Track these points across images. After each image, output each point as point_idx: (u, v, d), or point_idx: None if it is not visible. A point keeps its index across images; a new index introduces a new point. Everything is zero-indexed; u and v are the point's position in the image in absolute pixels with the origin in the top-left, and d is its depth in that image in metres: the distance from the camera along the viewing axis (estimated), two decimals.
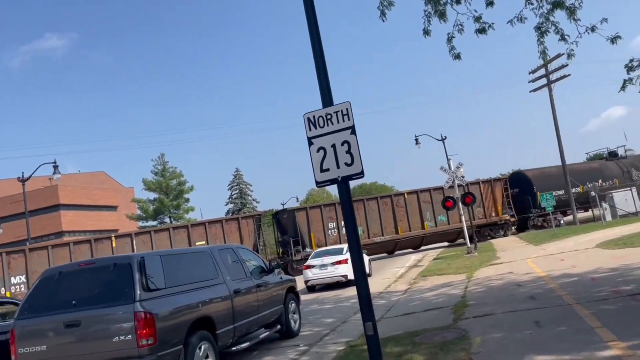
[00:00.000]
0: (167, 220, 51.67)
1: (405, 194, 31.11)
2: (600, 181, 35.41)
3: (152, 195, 52.72)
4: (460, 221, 26.23)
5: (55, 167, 27.10)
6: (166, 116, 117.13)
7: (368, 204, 29.99)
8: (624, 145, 45.68)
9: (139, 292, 6.06)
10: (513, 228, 34.68)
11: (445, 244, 34.46)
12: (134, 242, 26.43)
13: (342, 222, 27.78)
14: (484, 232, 32.17)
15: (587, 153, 43.08)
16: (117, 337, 5.90)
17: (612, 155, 39.51)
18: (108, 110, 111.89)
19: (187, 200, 53.57)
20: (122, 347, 5.87)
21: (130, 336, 5.86)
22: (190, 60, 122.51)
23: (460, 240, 32.22)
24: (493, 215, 32.04)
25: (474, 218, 30.69)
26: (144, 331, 5.84)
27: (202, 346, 6.71)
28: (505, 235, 32.55)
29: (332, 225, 28.94)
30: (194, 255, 7.93)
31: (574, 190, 34.61)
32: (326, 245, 26.45)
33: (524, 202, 34.36)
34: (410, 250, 32.88)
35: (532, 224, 34.50)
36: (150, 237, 26.73)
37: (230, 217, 32.47)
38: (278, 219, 30.57)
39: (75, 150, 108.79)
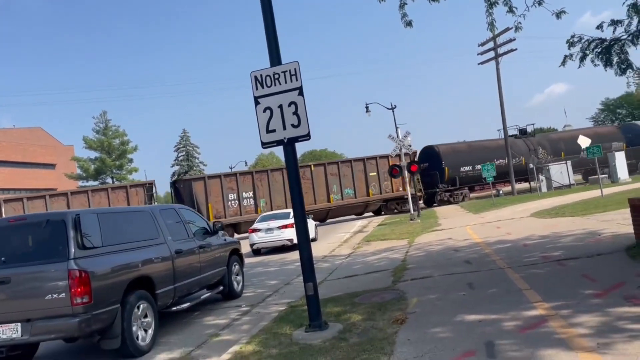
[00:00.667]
0: (109, 180, 50.08)
1: (312, 166, 30.27)
2: (507, 158, 35.99)
3: (94, 154, 50.83)
4: (404, 189, 27.00)
5: None
6: (110, 71, 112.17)
7: (272, 174, 28.87)
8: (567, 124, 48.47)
9: (73, 250, 5.85)
10: (420, 202, 34.61)
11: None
12: (70, 201, 25.54)
13: (244, 193, 27.57)
14: (391, 205, 32.03)
15: (498, 130, 44.07)
16: (50, 295, 5.71)
17: (522, 132, 39.66)
18: (48, 61, 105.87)
19: (131, 160, 52.04)
20: (56, 306, 5.70)
21: (64, 294, 5.69)
22: (139, 13, 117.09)
23: (367, 214, 33.11)
24: (401, 189, 30.95)
25: (381, 192, 31.16)
26: (79, 289, 5.68)
27: (141, 305, 6.61)
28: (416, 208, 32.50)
29: (232, 196, 27.63)
30: (134, 214, 7.72)
31: (478, 166, 34.84)
32: (225, 217, 26.45)
33: (432, 177, 34.45)
34: (353, 216, 33.37)
35: (439, 199, 34.73)
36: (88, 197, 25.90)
37: (118, 185, 30.53)
38: (176, 188, 28.88)
39: (11, 103, 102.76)
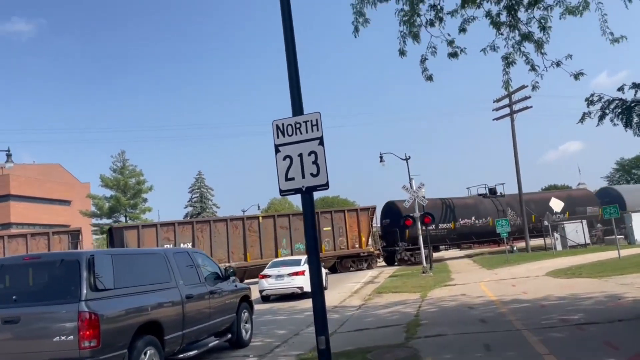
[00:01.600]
0: (122, 219, 50.30)
1: (260, 218, 28.99)
2: (473, 218, 34.92)
3: (109, 193, 51.29)
4: (362, 246, 28.43)
5: (9, 155, 25.86)
6: (130, 111, 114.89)
7: (215, 225, 27.15)
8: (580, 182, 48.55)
9: (85, 291, 5.80)
10: (379, 261, 33.13)
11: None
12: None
13: (182, 244, 25.53)
14: (346, 263, 30.23)
15: (467, 188, 42.55)
16: (58, 337, 5.62)
17: (491, 192, 37.58)
18: (70, 102, 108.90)
19: (145, 200, 52.36)
20: (63, 348, 5.60)
21: (72, 337, 5.59)
22: (162, 59, 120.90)
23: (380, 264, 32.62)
24: (357, 246, 29.87)
25: (335, 248, 29.66)
26: (87, 332, 5.58)
27: (148, 351, 6.47)
28: (370, 267, 30.56)
29: (168, 247, 23.41)
30: (147, 257, 7.68)
31: (445, 225, 34.08)
32: None
33: (393, 235, 32.45)
34: (364, 266, 33.01)
35: (399, 258, 32.14)
36: None
37: (39, 232, 27.47)
38: (111, 235, 26.66)
39: (32, 140, 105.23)
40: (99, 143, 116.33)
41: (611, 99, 9.10)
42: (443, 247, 36.52)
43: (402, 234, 31.93)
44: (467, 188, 41.14)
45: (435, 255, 35.24)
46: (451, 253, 42.96)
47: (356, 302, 15.54)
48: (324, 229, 29.34)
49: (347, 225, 30.19)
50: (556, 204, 33.40)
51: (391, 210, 34.20)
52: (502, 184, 39.85)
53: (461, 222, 34.57)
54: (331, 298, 16.45)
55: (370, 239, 31.09)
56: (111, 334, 5.87)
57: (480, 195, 37.65)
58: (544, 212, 34.67)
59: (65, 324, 5.66)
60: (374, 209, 31.94)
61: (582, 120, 9.35)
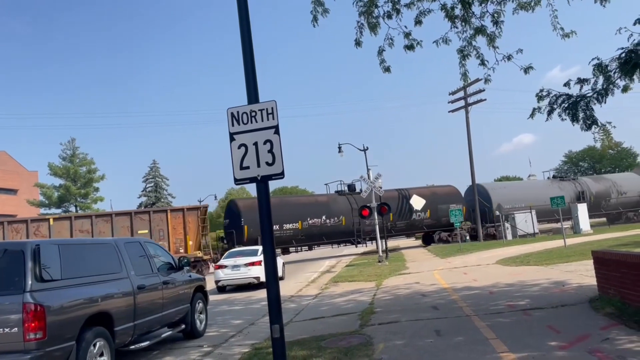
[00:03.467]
0: (72, 209, 48.69)
1: (51, 220, 25.33)
2: (324, 217, 32.51)
3: (58, 182, 49.51)
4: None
5: None
6: (81, 99, 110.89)
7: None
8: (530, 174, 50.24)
9: (30, 282, 5.60)
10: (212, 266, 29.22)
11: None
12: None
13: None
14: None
15: (326, 184, 42.02)
16: (1, 329, 5.41)
17: (350, 189, 35.16)
18: (17, 86, 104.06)
19: (97, 189, 50.86)
20: (7, 341, 5.40)
21: (16, 329, 5.40)
22: (114, 44, 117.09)
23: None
24: (181, 251, 26.05)
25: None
26: (33, 324, 5.40)
27: (97, 343, 6.32)
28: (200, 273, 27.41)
29: None
30: (97, 247, 7.48)
31: (291, 225, 31.41)
32: None
33: (231, 236, 30.18)
34: (327, 255, 33.24)
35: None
36: None
37: None
38: None
39: None
40: (48, 130, 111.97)
41: (558, 94, 9.41)
42: (292, 249, 35.09)
43: (240, 235, 29.34)
44: (325, 184, 39.35)
45: (287, 257, 33.09)
46: (406, 242, 43.82)
47: (313, 291, 15.64)
48: (139, 232, 25.58)
49: (169, 227, 26.40)
50: (417, 202, 32.50)
51: (231, 210, 31.78)
52: (362, 178, 37.13)
53: (310, 221, 31.85)
54: (288, 288, 16.50)
55: (202, 243, 27.37)
56: (58, 325, 5.69)
57: (337, 192, 35.40)
58: (406, 210, 34.70)
59: (10, 315, 5.45)
60: (205, 208, 28.03)
61: (532, 115, 9.63)
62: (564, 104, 9.36)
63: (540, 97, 9.40)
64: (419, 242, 41.52)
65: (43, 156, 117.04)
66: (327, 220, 33.05)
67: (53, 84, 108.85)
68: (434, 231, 37.32)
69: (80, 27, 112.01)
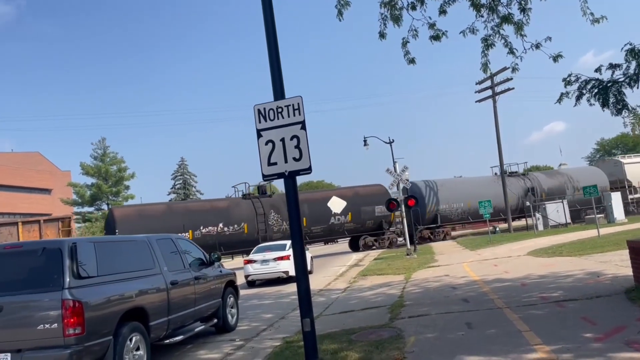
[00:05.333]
0: (104, 207, 49.81)
1: None
2: (221, 225, 29.32)
3: (90, 180, 50.69)
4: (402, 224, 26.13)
5: None
6: (111, 99, 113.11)
7: None
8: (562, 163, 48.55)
9: (68, 279, 5.76)
10: None
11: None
12: None
13: None
14: None
15: (233, 187, 36.63)
16: (42, 325, 5.59)
17: (260, 191, 32.77)
18: (49, 88, 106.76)
19: (127, 187, 51.87)
20: (47, 336, 5.57)
21: (56, 325, 5.57)
22: (143, 44, 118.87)
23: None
24: None
25: None
26: (72, 320, 5.56)
27: (134, 338, 6.48)
28: None
29: None
30: (130, 244, 7.64)
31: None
32: None
33: None
34: (349, 250, 33.15)
35: None
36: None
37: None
38: None
39: (10, 128, 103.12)
40: (79, 130, 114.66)
41: (588, 79, 9.19)
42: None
43: None
44: (233, 187, 35.02)
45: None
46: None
47: (341, 285, 15.68)
48: None
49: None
50: (336, 204, 30.37)
51: (108, 219, 29.56)
52: (388, 171, 34.84)
53: (203, 230, 28.74)
54: (317, 281, 16.57)
55: None
56: (96, 321, 5.86)
57: (246, 195, 32.22)
58: (322, 215, 31.30)
59: (49, 312, 5.63)
60: (69, 219, 24.56)
61: (559, 100, 9.43)
62: (593, 89, 9.15)
63: (568, 82, 9.20)
64: (342, 247, 37.87)
65: (75, 156, 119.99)
66: (225, 229, 29.43)
67: (83, 84, 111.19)
68: (359, 236, 33.78)
69: (107, 27, 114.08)
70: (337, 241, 37.76)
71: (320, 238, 33.34)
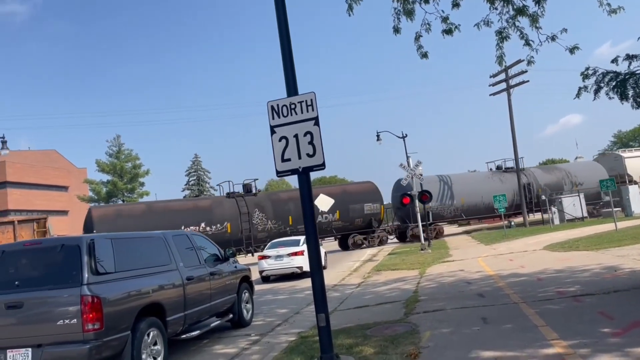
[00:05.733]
0: (120, 203, 50.31)
1: None
2: (203, 225, 28.52)
3: (106, 177, 51.22)
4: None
5: (4, 142, 25.73)
6: (125, 96, 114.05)
7: None
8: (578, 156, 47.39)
9: (86, 275, 5.85)
10: None
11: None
12: None
13: None
14: None
15: (219, 185, 33.86)
16: (61, 321, 5.69)
17: (245, 190, 31.33)
18: (65, 85, 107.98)
19: (142, 184, 52.32)
20: (67, 331, 5.67)
21: (75, 320, 5.66)
22: (156, 41, 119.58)
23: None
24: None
25: None
26: (90, 315, 5.65)
27: (151, 333, 6.56)
28: None
29: None
30: (147, 240, 7.72)
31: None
32: None
33: None
34: (338, 249, 32.87)
35: None
36: None
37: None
38: None
39: (27, 126, 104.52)
40: (95, 128, 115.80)
41: (605, 72, 9.06)
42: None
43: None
44: (219, 185, 32.59)
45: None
46: (450, 229, 43.17)
47: (355, 280, 15.69)
48: None
49: None
50: (323, 202, 28.40)
51: (86, 220, 28.03)
52: (256, 179, 32.14)
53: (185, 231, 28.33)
54: (331, 277, 16.60)
55: None
56: (114, 316, 5.94)
57: (230, 194, 30.91)
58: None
59: (69, 307, 5.72)
60: (44, 220, 22.92)
61: (578, 95, 9.32)
62: (611, 82, 9.02)
63: (585, 76, 9.09)
64: (331, 246, 36.59)
65: (91, 153, 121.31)
66: (208, 228, 28.61)
67: (98, 81, 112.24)
68: (348, 234, 32.72)
69: (122, 26, 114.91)
70: (324, 240, 35.79)
71: None
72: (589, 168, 40.26)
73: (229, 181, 31.63)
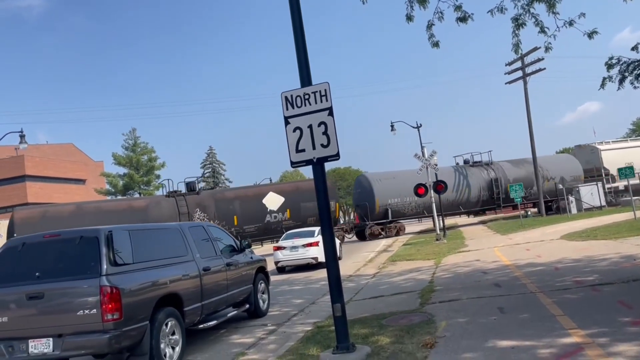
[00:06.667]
0: (136, 196, 50.84)
1: None
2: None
3: (122, 170, 51.78)
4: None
5: (22, 136, 26.07)
6: (141, 89, 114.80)
7: None
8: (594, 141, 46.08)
9: (105, 266, 5.93)
10: None
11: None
12: None
13: None
14: None
15: (167, 180, 32.46)
16: (81, 311, 5.78)
17: (189, 189, 29.44)
18: (82, 79, 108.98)
19: (158, 176, 52.79)
20: (87, 321, 5.76)
21: (95, 310, 5.75)
22: (170, 35, 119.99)
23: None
24: None
25: None
26: (110, 306, 5.73)
27: (169, 323, 6.64)
28: None
29: None
30: (164, 232, 7.80)
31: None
32: None
33: None
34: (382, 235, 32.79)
35: None
36: None
37: None
38: None
39: (45, 120, 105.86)
40: (111, 121, 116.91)
41: (629, 60, 8.89)
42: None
43: None
44: (167, 180, 30.32)
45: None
46: (464, 220, 42.75)
47: (371, 270, 15.70)
48: None
49: None
50: (272, 201, 27.69)
51: (9, 226, 26.10)
52: (199, 176, 30.46)
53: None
54: (346, 267, 16.64)
55: None
56: (132, 306, 6.02)
57: (171, 193, 29.00)
58: (257, 212, 28.41)
59: (88, 298, 5.81)
60: None
61: (602, 85, 9.15)
62: (636, 71, 8.86)
63: (610, 66, 8.93)
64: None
65: (107, 146, 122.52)
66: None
67: (114, 75, 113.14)
68: None
69: (138, 19, 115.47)
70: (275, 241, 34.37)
71: (255, 238, 29.09)
72: (563, 161, 38.70)
73: (168, 179, 29.70)
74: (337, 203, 30.76)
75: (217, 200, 29.29)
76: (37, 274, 6.10)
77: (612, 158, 37.32)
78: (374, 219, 32.88)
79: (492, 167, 36.49)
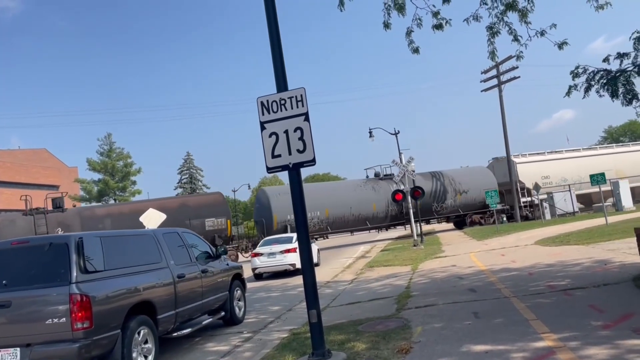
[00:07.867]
0: (112, 202, 50.03)
1: None
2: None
3: (97, 176, 50.95)
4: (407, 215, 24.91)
5: None
6: (116, 95, 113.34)
7: None
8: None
9: (75, 274, 5.80)
10: None
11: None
12: None
13: None
14: None
15: (24, 198, 26.24)
16: (50, 320, 5.63)
17: (56, 206, 26.00)
18: (55, 83, 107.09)
19: (134, 182, 52.12)
20: (56, 330, 5.62)
21: (64, 319, 5.61)
22: (146, 39, 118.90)
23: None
24: None
25: None
26: (80, 314, 5.60)
27: (141, 331, 6.52)
28: None
29: None
30: (137, 238, 7.67)
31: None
32: None
33: None
34: (361, 240, 32.83)
35: None
36: None
37: None
38: None
39: (17, 125, 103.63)
40: (86, 126, 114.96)
41: (596, 70, 9.10)
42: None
43: None
44: (24, 198, 26.00)
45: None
46: (442, 226, 43.09)
47: (348, 276, 15.70)
48: None
49: None
50: (151, 219, 24.82)
51: None
52: (65, 193, 28.32)
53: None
54: (324, 273, 16.60)
55: None
56: (103, 314, 5.89)
57: (30, 210, 25.05)
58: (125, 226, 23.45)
59: (58, 306, 5.67)
60: None
61: (568, 93, 9.35)
62: (602, 80, 9.06)
63: (575, 74, 9.12)
64: None
65: (82, 152, 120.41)
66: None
67: (89, 80, 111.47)
68: None
69: (111, 22, 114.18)
70: None
71: None
72: (476, 174, 37.38)
73: (26, 196, 26.21)
74: (228, 220, 28.49)
75: (84, 218, 26.11)
76: (4, 282, 5.94)
77: (528, 171, 36.79)
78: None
79: (402, 181, 35.71)
